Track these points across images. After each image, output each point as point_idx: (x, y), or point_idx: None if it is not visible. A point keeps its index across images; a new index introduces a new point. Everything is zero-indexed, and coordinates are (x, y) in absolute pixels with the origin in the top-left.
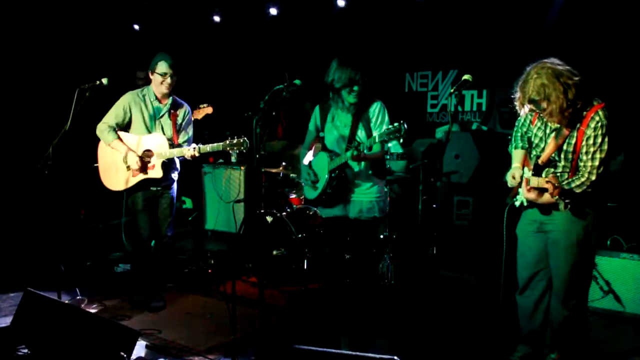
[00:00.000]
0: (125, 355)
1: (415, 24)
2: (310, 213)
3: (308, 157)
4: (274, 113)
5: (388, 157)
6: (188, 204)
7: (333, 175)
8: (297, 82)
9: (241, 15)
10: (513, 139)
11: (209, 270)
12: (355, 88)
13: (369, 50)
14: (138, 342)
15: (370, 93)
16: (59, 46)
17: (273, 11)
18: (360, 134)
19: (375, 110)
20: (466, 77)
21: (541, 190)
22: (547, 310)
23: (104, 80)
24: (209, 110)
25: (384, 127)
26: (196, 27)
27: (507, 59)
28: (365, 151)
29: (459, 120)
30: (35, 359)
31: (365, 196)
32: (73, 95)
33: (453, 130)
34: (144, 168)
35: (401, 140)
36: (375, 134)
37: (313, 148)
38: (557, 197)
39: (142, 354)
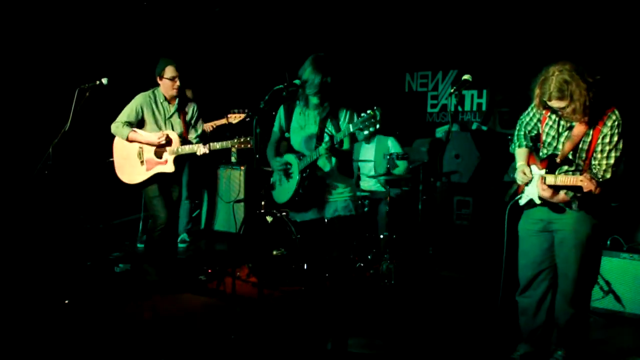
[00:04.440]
0: None
1: (415, 24)
2: None
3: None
4: (273, 113)
5: (388, 157)
6: None
7: (304, 175)
8: (297, 82)
9: (241, 15)
10: (516, 138)
11: (209, 270)
12: (322, 91)
13: (369, 50)
14: None
15: (340, 97)
16: (59, 46)
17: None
18: (330, 129)
19: (344, 111)
20: (466, 77)
21: (556, 189)
22: (549, 309)
23: (104, 80)
24: (243, 115)
25: (357, 118)
26: (196, 27)
27: (507, 59)
28: (337, 146)
29: (459, 120)
30: None
31: (341, 196)
32: (73, 95)
33: (453, 130)
34: (157, 163)
35: (377, 126)
36: (348, 125)
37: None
38: (572, 195)
39: None
